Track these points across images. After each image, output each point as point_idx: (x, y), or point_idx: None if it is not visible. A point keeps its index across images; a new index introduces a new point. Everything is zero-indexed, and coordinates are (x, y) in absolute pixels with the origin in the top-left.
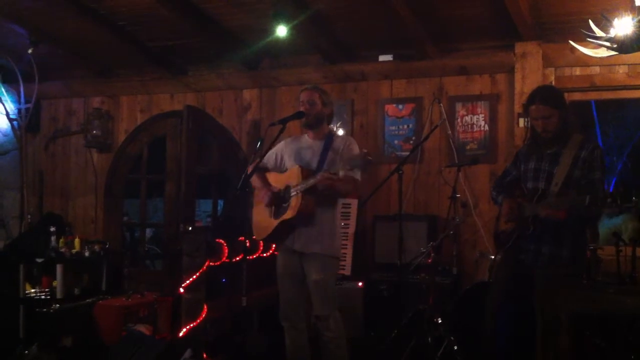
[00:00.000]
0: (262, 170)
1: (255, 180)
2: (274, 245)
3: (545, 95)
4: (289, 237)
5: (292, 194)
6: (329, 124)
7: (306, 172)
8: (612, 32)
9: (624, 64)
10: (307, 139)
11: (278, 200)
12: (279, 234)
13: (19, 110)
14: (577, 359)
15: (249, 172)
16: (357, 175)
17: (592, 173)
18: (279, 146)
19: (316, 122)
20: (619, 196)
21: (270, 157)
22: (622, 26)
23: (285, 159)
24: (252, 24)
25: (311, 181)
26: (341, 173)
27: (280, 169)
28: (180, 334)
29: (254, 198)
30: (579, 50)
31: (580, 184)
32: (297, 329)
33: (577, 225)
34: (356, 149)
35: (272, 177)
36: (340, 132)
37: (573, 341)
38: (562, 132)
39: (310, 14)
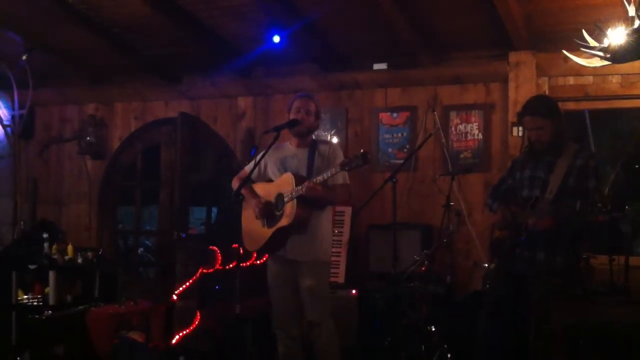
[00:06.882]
0: (249, 182)
1: (244, 191)
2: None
3: (537, 106)
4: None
5: (286, 200)
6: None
7: (298, 179)
8: (606, 42)
9: (617, 74)
10: (290, 147)
11: (270, 211)
12: (274, 244)
13: (13, 117)
14: None
15: (234, 186)
16: (346, 179)
17: (586, 182)
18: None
19: (307, 132)
20: (610, 201)
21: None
22: (616, 36)
23: (269, 168)
24: (247, 33)
25: (300, 189)
26: (327, 176)
27: (264, 178)
28: (173, 342)
29: (244, 204)
30: (572, 60)
31: (574, 193)
32: (291, 337)
33: (571, 233)
34: (341, 154)
35: (260, 188)
36: (335, 140)
37: (567, 352)
38: (556, 142)
39: (305, 23)
